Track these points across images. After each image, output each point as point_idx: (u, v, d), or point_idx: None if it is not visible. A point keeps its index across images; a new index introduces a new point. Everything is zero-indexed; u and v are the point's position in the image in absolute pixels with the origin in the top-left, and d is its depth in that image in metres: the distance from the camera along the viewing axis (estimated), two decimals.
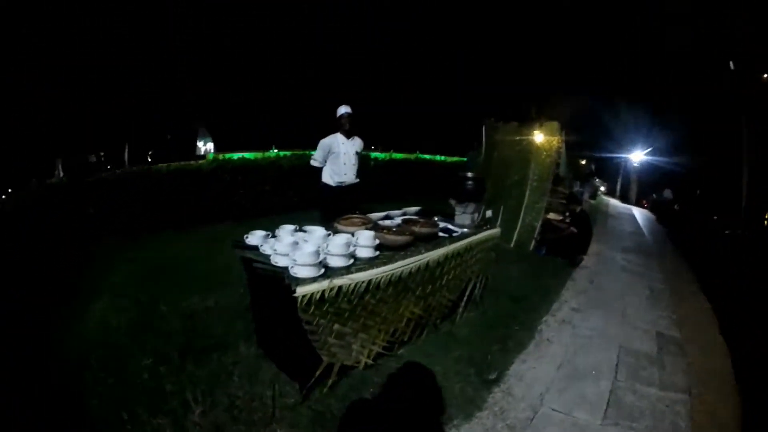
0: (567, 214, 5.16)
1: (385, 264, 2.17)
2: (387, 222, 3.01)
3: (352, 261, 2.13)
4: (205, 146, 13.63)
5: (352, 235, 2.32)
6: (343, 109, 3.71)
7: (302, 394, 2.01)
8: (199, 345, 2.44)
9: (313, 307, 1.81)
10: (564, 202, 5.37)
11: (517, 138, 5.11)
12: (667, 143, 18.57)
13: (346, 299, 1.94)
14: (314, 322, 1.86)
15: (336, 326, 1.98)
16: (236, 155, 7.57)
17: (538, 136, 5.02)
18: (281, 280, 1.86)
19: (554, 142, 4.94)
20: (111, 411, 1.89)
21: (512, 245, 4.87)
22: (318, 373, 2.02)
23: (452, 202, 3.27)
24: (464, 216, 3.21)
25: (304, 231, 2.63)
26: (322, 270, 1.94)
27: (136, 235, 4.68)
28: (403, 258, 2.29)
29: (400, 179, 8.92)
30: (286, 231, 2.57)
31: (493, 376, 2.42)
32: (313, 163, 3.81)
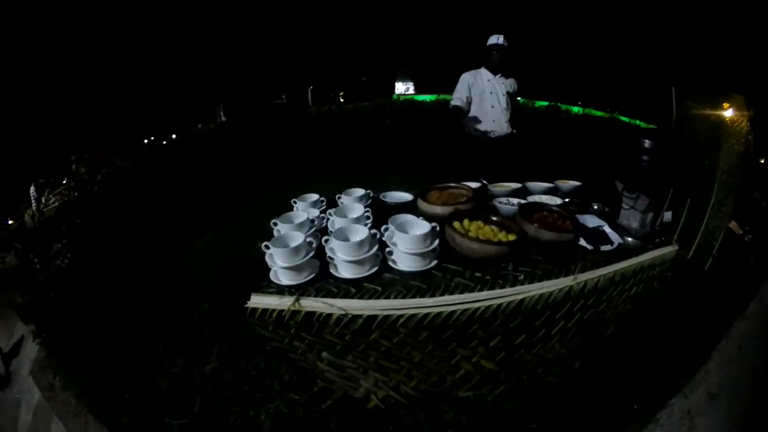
0: (747, 228, 3.58)
1: (420, 294, 1.35)
2: (513, 203, 1.94)
3: (372, 270, 1.43)
4: (405, 87, 13.76)
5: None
6: (494, 39, 2.80)
7: (306, 397, 1.69)
8: None
9: (272, 326, 1.30)
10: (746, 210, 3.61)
11: (706, 112, 3.61)
12: None
13: (328, 331, 1.31)
14: (285, 342, 1.37)
15: (325, 354, 1.42)
16: (406, 97, 7.19)
17: (728, 111, 3.45)
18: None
19: (742, 124, 3.34)
20: (152, 340, 2.11)
21: (689, 255, 3.47)
22: (315, 389, 1.62)
23: (618, 185, 1.81)
24: (631, 213, 1.75)
25: (384, 201, 2.03)
26: (310, 276, 1.37)
27: (280, 177, 4.74)
28: (466, 290, 1.37)
29: (592, 142, 6.45)
30: (350, 198, 1.99)
31: None
32: (454, 102, 2.98)
